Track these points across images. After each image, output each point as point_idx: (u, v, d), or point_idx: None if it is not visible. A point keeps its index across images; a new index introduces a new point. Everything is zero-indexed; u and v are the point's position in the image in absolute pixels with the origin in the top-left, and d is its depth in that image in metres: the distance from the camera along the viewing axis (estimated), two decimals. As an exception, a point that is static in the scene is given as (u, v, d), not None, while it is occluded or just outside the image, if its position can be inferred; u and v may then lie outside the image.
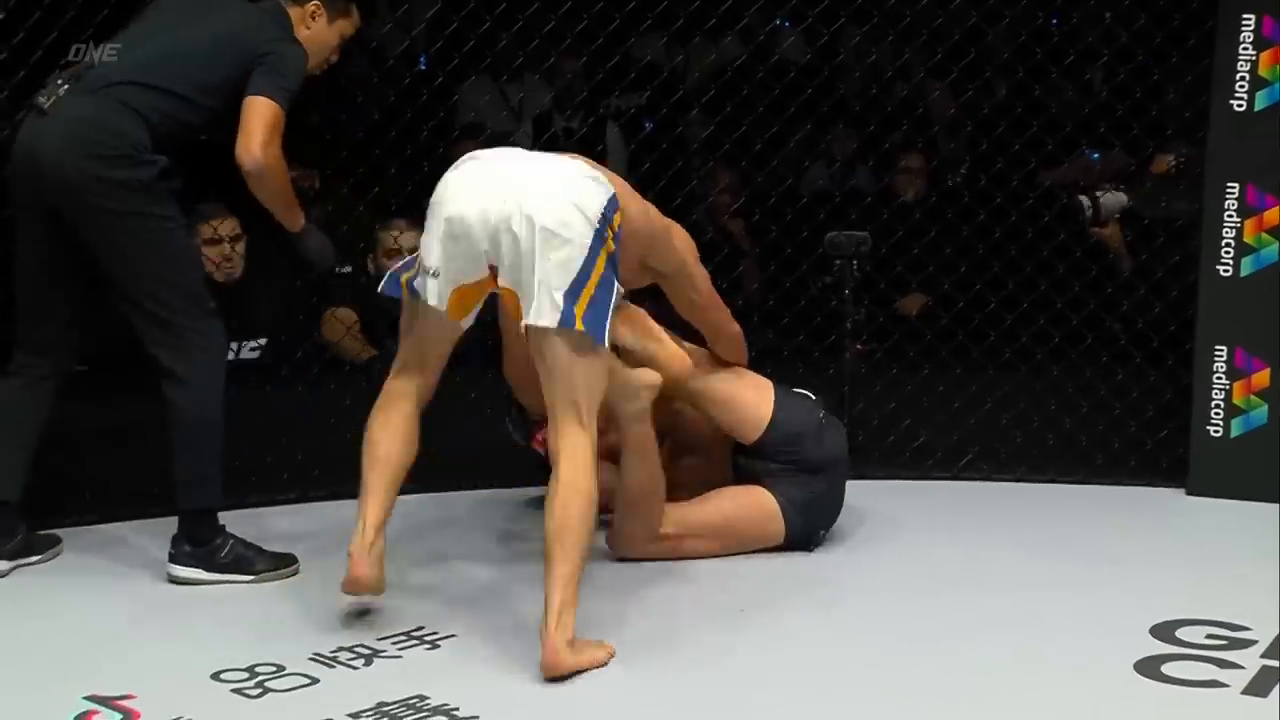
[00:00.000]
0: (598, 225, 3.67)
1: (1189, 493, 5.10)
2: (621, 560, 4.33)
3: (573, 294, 3.61)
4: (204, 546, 4.12)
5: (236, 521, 4.33)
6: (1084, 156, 6.34)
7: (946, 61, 6.00)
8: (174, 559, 4.12)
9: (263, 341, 5.55)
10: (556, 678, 3.54)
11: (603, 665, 3.63)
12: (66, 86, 3.95)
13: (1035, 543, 4.61)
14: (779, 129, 5.79)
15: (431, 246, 3.76)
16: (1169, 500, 5.06)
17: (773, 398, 4.41)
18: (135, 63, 3.98)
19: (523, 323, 3.66)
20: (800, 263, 5.72)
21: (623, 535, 4.32)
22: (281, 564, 4.21)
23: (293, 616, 3.94)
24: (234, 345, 5.41)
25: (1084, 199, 5.81)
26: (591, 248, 3.65)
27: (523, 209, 3.63)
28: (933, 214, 6.03)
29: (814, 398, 4.53)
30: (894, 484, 5.19)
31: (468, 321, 3.87)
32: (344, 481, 4.42)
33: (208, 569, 4.11)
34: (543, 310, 3.62)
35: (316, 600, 4.05)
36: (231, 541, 4.15)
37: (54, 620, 3.91)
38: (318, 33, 4.16)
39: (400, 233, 5.62)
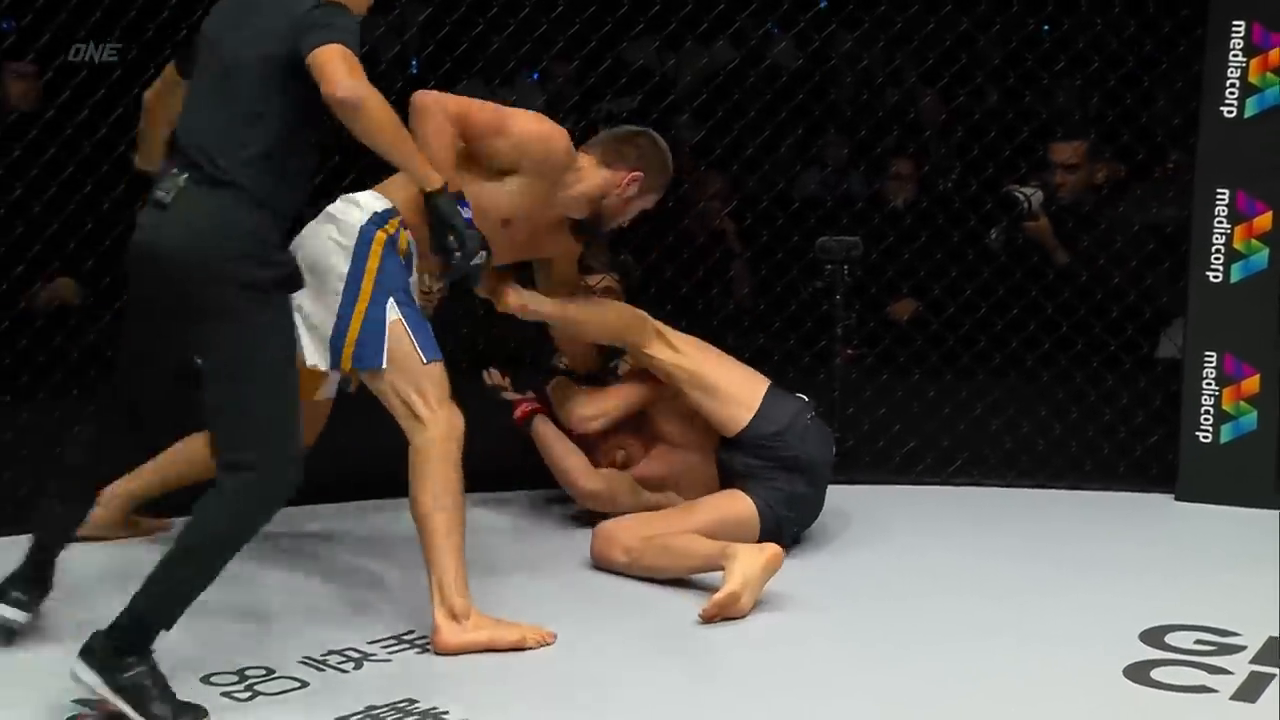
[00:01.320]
0: (354, 246, 3.87)
1: (1178, 498, 5.11)
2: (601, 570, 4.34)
3: (338, 333, 3.86)
4: (119, 657, 3.39)
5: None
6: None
7: (937, 67, 6.01)
8: (83, 654, 3.39)
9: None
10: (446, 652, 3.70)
11: (518, 646, 3.73)
12: (186, 175, 3.41)
13: (1024, 548, 4.62)
14: (770, 134, 5.79)
15: None
16: (1158, 506, 5.07)
17: (763, 392, 4.42)
18: (238, 141, 3.40)
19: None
20: (791, 267, 5.72)
21: (606, 553, 4.32)
22: (185, 714, 3.39)
23: (283, 620, 3.94)
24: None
25: (1018, 194, 5.82)
26: (350, 276, 3.86)
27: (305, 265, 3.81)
28: (923, 219, 6.04)
29: (806, 400, 4.53)
30: (883, 489, 5.19)
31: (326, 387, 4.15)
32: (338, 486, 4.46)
33: (107, 683, 3.37)
34: (314, 353, 3.89)
35: (307, 603, 4.05)
36: (143, 668, 3.39)
37: (43, 623, 3.89)
38: None
39: None
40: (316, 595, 4.13)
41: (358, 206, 3.96)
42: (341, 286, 3.86)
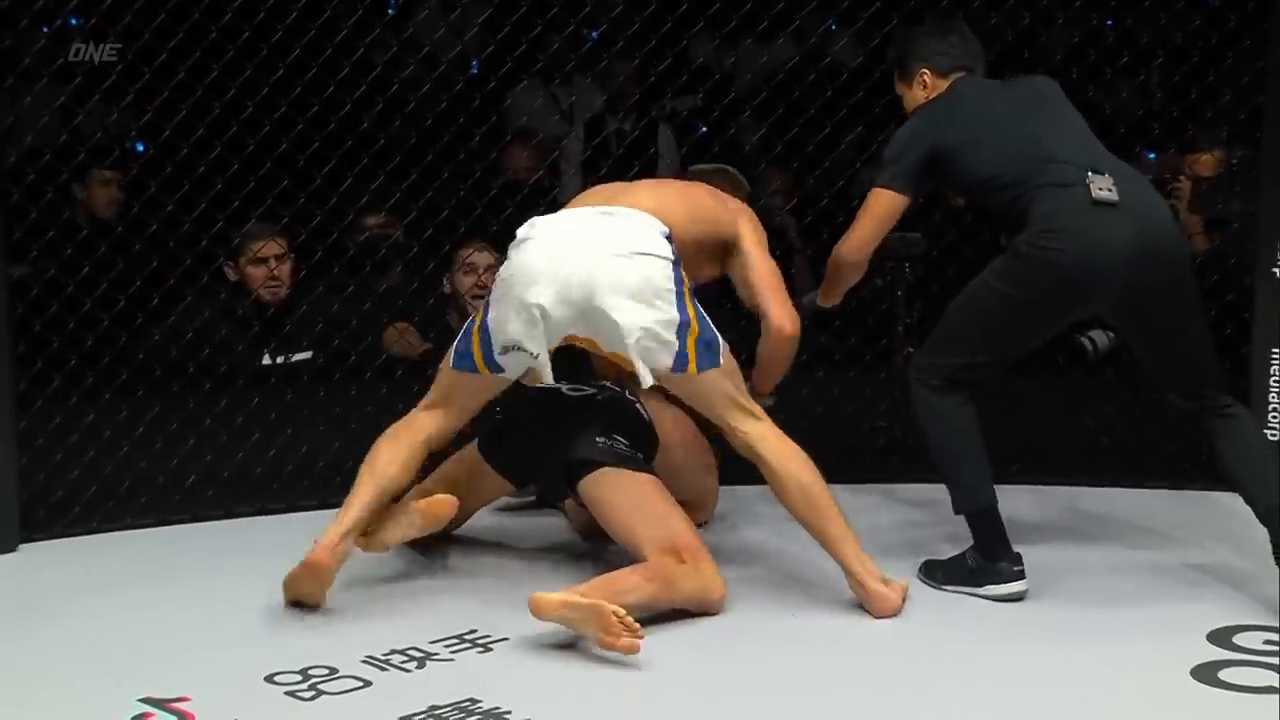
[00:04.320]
0: (674, 281, 3.95)
1: (1245, 497, 5.06)
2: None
3: (681, 338, 3.92)
4: None
5: (287, 523, 4.34)
6: (1140, 157, 6.29)
7: (1000, 64, 5.96)
8: None
9: (308, 354, 5.58)
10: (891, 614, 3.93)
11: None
12: (1105, 175, 3.97)
13: (1090, 547, 4.58)
14: (831, 131, 5.77)
15: (513, 325, 3.93)
16: (1226, 505, 4.99)
17: None
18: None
19: (642, 379, 3.92)
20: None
21: None
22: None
23: (345, 619, 3.96)
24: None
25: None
26: (677, 294, 3.94)
27: (605, 282, 3.88)
28: (986, 216, 5.99)
29: None
30: (943, 489, 5.15)
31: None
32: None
33: None
34: (660, 360, 3.91)
35: (369, 603, 4.07)
36: None
37: (108, 623, 3.93)
38: None
39: (474, 252, 5.60)
40: (378, 595, 4.14)
41: (663, 242, 4.03)
42: (674, 300, 3.93)
